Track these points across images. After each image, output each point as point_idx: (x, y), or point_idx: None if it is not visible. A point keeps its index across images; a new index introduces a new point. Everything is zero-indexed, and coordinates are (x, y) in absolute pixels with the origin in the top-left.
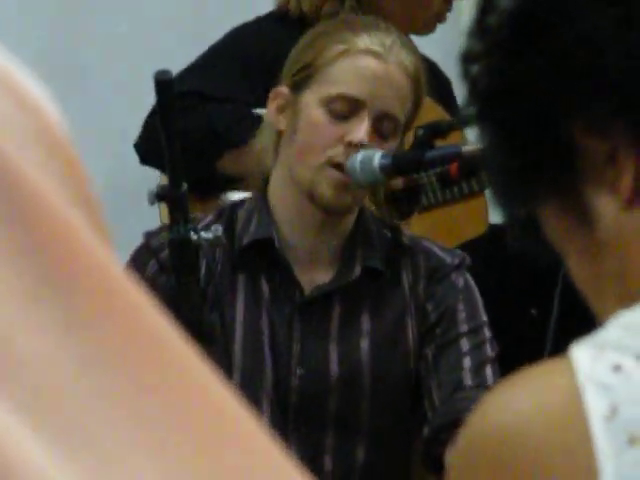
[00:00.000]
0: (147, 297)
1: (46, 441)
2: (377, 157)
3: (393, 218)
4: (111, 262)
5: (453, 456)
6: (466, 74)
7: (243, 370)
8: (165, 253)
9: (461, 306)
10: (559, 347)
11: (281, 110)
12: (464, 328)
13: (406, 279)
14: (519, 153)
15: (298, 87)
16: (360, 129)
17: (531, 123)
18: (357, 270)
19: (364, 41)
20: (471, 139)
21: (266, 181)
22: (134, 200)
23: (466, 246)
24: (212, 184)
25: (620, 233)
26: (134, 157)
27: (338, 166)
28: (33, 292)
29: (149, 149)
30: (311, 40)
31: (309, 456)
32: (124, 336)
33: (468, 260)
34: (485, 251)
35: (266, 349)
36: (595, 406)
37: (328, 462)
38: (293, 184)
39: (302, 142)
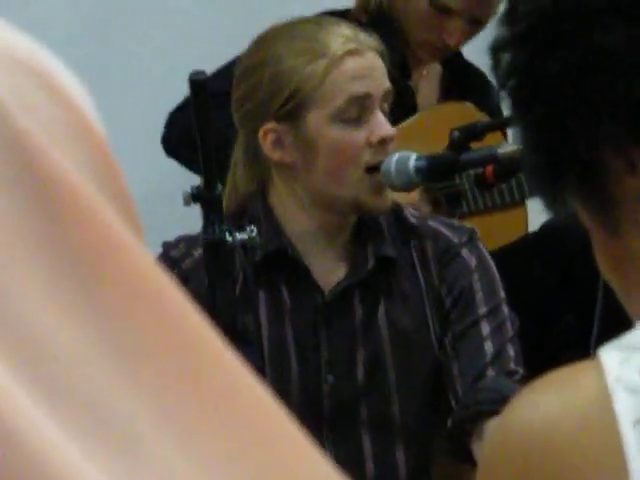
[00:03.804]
0: (179, 289)
1: (65, 424)
2: (412, 159)
3: None
4: (142, 254)
5: (483, 454)
6: (496, 64)
7: (271, 385)
8: (186, 263)
9: (477, 286)
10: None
11: (278, 145)
12: (483, 310)
13: (418, 264)
14: (543, 153)
15: (289, 117)
16: (382, 124)
17: (553, 127)
18: (371, 261)
19: (336, 43)
20: (510, 141)
21: (262, 193)
22: (173, 201)
23: (507, 248)
24: None
25: None
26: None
27: (375, 169)
28: (59, 276)
29: (174, 143)
30: (277, 66)
31: (350, 463)
32: (149, 322)
33: (477, 233)
34: (525, 254)
35: (293, 360)
36: (624, 409)
37: (370, 467)
38: (312, 204)
39: (331, 164)
